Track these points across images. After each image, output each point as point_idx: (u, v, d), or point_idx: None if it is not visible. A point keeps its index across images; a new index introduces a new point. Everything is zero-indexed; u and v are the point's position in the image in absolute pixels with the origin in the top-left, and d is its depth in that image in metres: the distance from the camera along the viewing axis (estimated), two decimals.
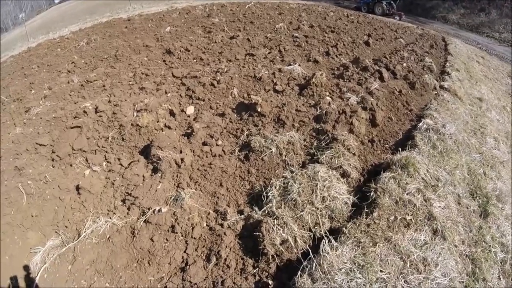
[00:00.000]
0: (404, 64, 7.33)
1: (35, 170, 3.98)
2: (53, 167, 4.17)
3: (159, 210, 3.35)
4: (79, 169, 4.18)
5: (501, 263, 3.17)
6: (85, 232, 3.28)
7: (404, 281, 2.55)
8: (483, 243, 3.27)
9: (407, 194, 3.37)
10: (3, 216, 3.43)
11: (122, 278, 2.99)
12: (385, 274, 2.57)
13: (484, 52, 13.91)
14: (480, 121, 5.97)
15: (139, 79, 6.66)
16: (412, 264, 2.69)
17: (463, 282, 2.74)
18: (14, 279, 2.99)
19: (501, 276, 3.05)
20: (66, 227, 3.51)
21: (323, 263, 2.60)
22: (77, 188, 3.84)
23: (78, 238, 3.26)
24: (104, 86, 6.36)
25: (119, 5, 19.79)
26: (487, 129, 5.68)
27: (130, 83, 6.47)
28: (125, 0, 20.28)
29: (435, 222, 3.11)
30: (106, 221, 3.34)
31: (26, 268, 3.09)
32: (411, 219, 3.13)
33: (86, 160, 4.27)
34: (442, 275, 2.65)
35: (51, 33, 15.25)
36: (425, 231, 3.03)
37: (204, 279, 2.88)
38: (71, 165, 4.22)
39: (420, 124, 4.91)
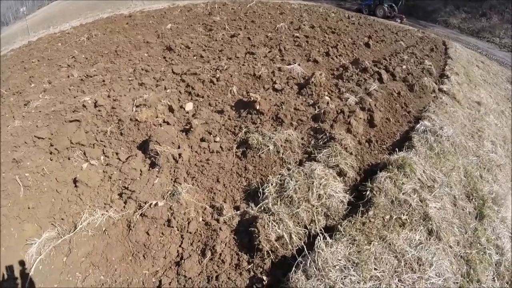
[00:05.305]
0: (404, 67, 7.35)
1: (33, 163, 3.99)
2: (51, 160, 4.18)
3: (156, 204, 3.35)
4: (76, 163, 4.18)
5: (495, 265, 3.19)
6: (81, 224, 3.29)
7: (398, 280, 2.57)
8: (478, 244, 3.29)
9: (403, 194, 3.38)
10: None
11: (117, 271, 3.01)
12: (379, 272, 2.59)
13: (484, 57, 13.93)
14: (478, 124, 5.99)
15: (139, 75, 6.66)
16: (406, 263, 2.70)
17: (457, 283, 2.76)
18: (9, 270, 2.99)
19: (495, 278, 3.07)
20: (62, 219, 3.52)
21: (317, 259, 2.61)
22: (75, 181, 3.85)
23: (74, 231, 3.27)
24: (104, 81, 6.37)
25: (120, 2, 19.73)
26: (484, 133, 5.71)
27: (130, 78, 6.48)
28: None
29: (430, 222, 3.13)
30: (102, 214, 3.36)
31: (22, 261, 3.10)
32: (406, 219, 3.15)
33: (84, 153, 4.28)
34: (436, 275, 2.67)
35: (52, 27, 15.18)
36: (420, 231, 3.04)
37: (199, 274, 2.89)
38: (69, 159, 4.23)
39: (418, 125, 4.92)
